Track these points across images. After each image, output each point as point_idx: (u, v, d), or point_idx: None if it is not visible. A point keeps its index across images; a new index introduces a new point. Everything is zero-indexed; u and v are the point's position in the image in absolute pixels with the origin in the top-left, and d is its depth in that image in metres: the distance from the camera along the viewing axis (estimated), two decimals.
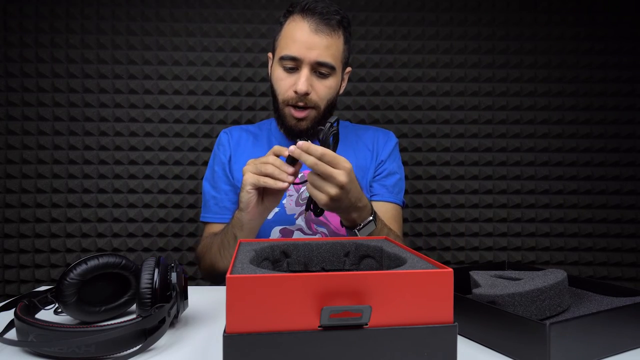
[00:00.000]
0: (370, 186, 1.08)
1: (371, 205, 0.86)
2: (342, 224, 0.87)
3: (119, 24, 1.38)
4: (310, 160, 0.72)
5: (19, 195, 1.36)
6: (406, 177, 1.42)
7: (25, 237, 1.37)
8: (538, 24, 1.44)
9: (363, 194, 0.82)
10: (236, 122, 1.41)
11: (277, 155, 0.80)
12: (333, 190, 0.74)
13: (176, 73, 1.39)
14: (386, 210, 1.05)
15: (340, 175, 0.73)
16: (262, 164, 0.78)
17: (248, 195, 0.81)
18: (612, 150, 1.43)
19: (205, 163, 1.40)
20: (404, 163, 1.41)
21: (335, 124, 0.75)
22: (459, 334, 0.59)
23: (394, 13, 1.43)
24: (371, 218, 0.84)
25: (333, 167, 0.73)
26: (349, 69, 1.05)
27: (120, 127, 1.39)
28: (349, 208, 0.79)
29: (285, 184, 0.77)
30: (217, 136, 1.39)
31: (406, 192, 1.43)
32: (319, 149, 0.72)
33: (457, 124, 1.44)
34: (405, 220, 1.43)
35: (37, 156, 1.36)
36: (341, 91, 1.06)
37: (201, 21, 1.40)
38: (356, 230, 0.84)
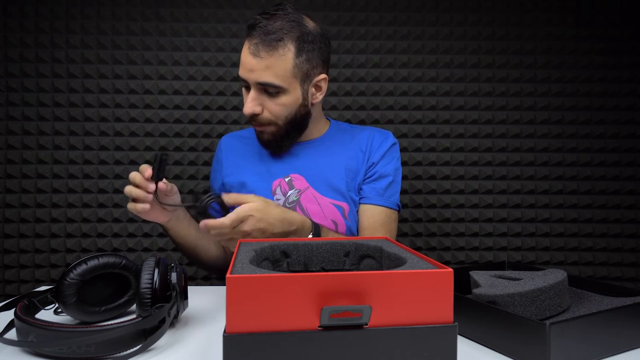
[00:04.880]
0: (360, 189, 1.06)
1: (313, 224, 0.89)
2: None
3: (119, 24, 1.38)
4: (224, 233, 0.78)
5: (19, 195, 1.36)
6: (406, 177, 1.42)
7: (25, 237, 1.37)
8: (538, 24, 1.44)
9: (294, 218, 0.86)
10: (236, 122, 1.41)
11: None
12: (239, 235, 0.80)
13: (176, 73, 1.39)
14: (372, 215, 1.03)
15: (242, 230, 0.78)
16: (128, 192, 0.82)
17: (147, 216, 0.85)
18: (612, 150, 1.43)
19: (205, 163, 1.40)
20: (404, 163, 1.41)
21: (213, 196, 0.79)
22: (459, 334, 0.59)
23: (394, 13, 1.43)
24: (310, 237, 0.88)
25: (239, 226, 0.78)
26: (322, 76, 0.98)
27: (120, 127, 1.39)
28: (280, 235, 0.83)
29: (146, 207, 0.81)
30: (217, 136, 1.40)
31: (406, 192, 1.43)
32: (216, 226, 0.76)
33: (457, 124, 1.44)
34: (405, 220, 1.43)
35: (37, 156, 1.36)
36: (316, 100, 1.01)
37: (201, 21, 1.40)
38: None
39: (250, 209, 0.79)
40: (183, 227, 0.95)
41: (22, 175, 1.36)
